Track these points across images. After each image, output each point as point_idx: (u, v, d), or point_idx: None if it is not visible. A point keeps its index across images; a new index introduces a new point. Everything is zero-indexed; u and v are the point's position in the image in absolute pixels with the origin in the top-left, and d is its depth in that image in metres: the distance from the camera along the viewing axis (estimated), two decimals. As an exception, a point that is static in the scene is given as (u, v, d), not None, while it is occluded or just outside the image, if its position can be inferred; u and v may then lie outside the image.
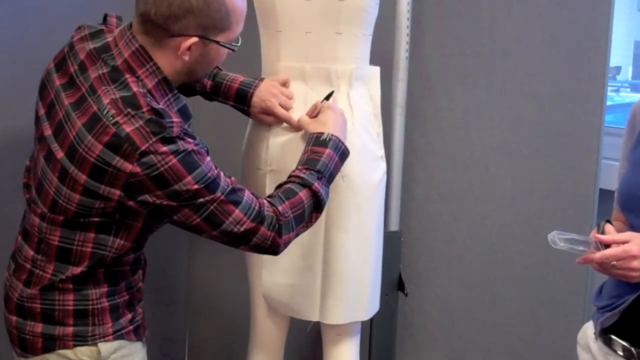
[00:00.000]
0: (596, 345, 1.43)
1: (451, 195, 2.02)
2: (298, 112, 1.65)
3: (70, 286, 1.37)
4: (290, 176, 1.47)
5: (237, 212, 1.33)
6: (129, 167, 1.25)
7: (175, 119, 1.29)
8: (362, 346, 1.82)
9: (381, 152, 1.72)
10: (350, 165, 1.62)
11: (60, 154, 1.30)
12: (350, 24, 1.63)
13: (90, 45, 1.37)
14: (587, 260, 1.27)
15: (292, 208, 1.41)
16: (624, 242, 1.24)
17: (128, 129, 1.25)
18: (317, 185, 1.44)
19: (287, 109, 1.64)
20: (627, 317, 1.34)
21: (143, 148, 1.24)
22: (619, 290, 1.36)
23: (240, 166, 1.76)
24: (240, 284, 1.90)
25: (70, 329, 1.37)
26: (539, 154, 1.86)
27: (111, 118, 1.26)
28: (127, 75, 1.31)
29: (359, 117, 1.66)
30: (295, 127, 1.63)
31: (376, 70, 1.73)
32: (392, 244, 1.97)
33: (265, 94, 1.63)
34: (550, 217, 1.84)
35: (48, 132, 1.35)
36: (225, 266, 2.40)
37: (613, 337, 1.37)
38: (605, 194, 1.74)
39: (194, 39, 1.32)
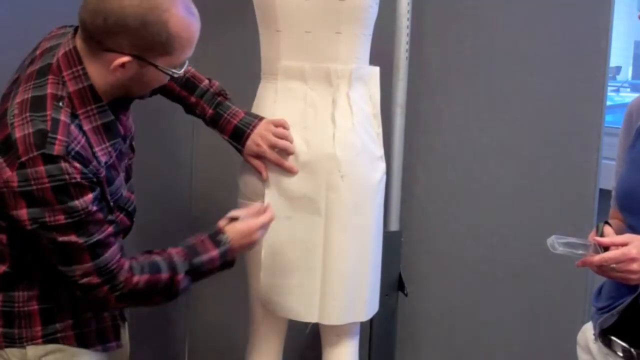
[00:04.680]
0: (596, 346, 1.42)
1: (451, 195, 2.01)
2: (298, 112, 1.65)
3: None
4: (167, 252, 1.40)
5: (89, 265, 1.27)
6: (7, 173, 1.21)
7: (60, 137, 1.22)
8: (362, 346, 1.82)
9: (381, 152, 1.72)
10: (350, 166, 1.62)
11: None
12: (350, 23, 1.63)
13: (53, 42, 1.36)
14: (587, 263, 1.26)
15: (147, 283, 1.35)
16: (622, 245, 1.24)
17: (18, 134, 1.21)
18: (181, 277, 1.38)
19: (280, 148, 1.61)
20: (626, 318, 1.34)
21: (23, 159, 1.20)
22: (617, 292, 1.35)
23: (240, 166, 1.76)
24: (240, 285, 1.90)
25: (0, 330, 1.35)
26: (539, 154, 1.86)
27: (11, 118, 1.24)
28: (50, 76, 1.28)
29: (358, 117, 1.66)
30: (287, 170, 1.63)
31: (376, 70, 1.73)
32: (392, 244, 1.96)
33: (257, 138, 1.62)
34: (550, 217, 1.84)
35: None
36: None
37: (613, 338, 1.37)
38: (605, 194, 1.74)
39: (128, 58, 1.26)
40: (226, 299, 2.44)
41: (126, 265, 1.32)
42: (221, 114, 1.63)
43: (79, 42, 1.30)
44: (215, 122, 1.65)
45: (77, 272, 1.28)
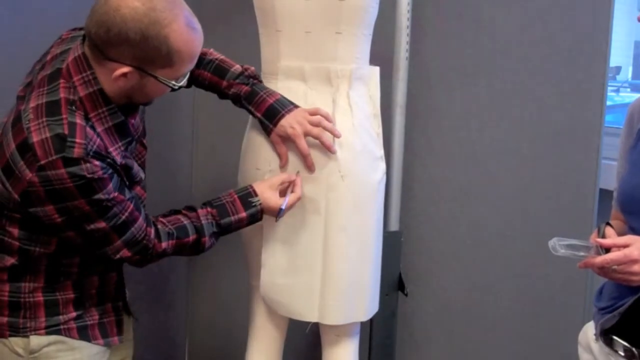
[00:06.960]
0: (597, 346, 1.42)
1: (451, 195, 2.01)
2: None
3: (5, 277, 1.39)
4: (195, 211, 1.49)
5: (119, 243, 1.36)
6: (29, 175, 1.26)
7: (79, 140, 1.27)
8: (362, 346, 1.82)
9: (381, 152, 1.72)
10: (350, 166, 1.62)
11: None
12: (350, 23, 1.63)
13: (62, 47, 1.40)
14: (588, 265, 1.26)
15: (174, 247, 1.44)
16: (624, 246, 1.24)
17: (35, 138, 1.26)
18: (207, 239, 1.48)
19: (312, 135, 1.59)
20: (628, 319, 1.34)
21: (42, 162, 1.25)
22: (619, 292, 1.35)
23: (240, 166, 1.76)
24: (240, 285, 1.90)
25: (5, 319, 1.40)
26: (539, 154, 1.86)
27: (27, 122, 1.28)
28: (62, 81, 1.32)
29: (358, 117, 1.66)
30: (308, 166, 1.62)
31: (376, 70, 1.73)
32: (392, 244, 1.96)
33: (293, 122, 1.60)
34: (550, 217, 1.84)
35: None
36: (225, 268, 2.40)
37: (614, 337, 1.37)
38: (605, 194, 1.74)
39: (129, 69, 1.30)
40: (226, 298, 2.44)
41: (152, 233, 1.40)
42: (257, 91, 1.63)
43: (87, 49, 1.33)
44: (250, 98, 1.63)
45: (109, 251, 1.37)
